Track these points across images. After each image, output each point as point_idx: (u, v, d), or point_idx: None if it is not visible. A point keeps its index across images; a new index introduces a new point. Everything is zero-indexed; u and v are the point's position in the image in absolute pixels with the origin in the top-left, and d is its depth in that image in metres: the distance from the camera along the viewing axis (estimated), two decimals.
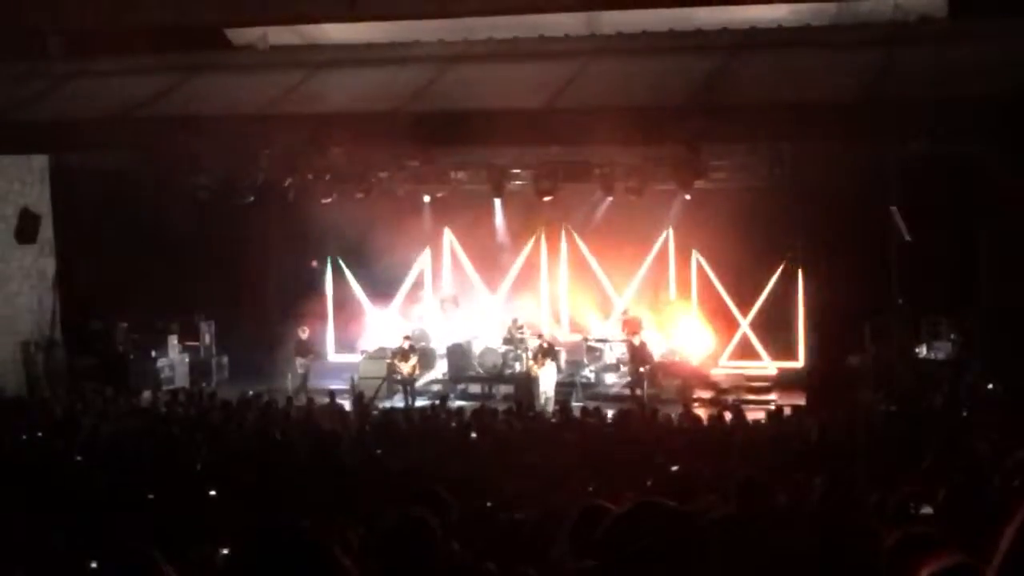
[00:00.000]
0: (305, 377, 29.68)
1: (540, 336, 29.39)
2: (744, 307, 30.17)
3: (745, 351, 30.41)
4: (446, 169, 30.11)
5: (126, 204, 29.09)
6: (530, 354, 29.01)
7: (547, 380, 28.13)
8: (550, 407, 26.32)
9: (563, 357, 29.80)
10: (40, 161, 28.76)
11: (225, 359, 31.88)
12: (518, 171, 29.30)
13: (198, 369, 30.97)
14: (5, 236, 27.77)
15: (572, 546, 6.10)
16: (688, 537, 4.18)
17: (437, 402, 24.87)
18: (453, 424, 21.42)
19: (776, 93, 21.36)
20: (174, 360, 30.43)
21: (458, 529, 7.77)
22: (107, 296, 29.38)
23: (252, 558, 3.84)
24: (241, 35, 26.88)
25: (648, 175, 27.97)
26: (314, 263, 32.85)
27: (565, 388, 28.67)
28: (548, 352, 28.52)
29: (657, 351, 29.05)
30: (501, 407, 24.38)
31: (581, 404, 25.87)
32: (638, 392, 27.86)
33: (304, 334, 30.22)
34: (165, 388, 28.71)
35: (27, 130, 24.92)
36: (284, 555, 3.74)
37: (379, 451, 17.48)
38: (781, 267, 29.32)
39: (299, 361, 29.99)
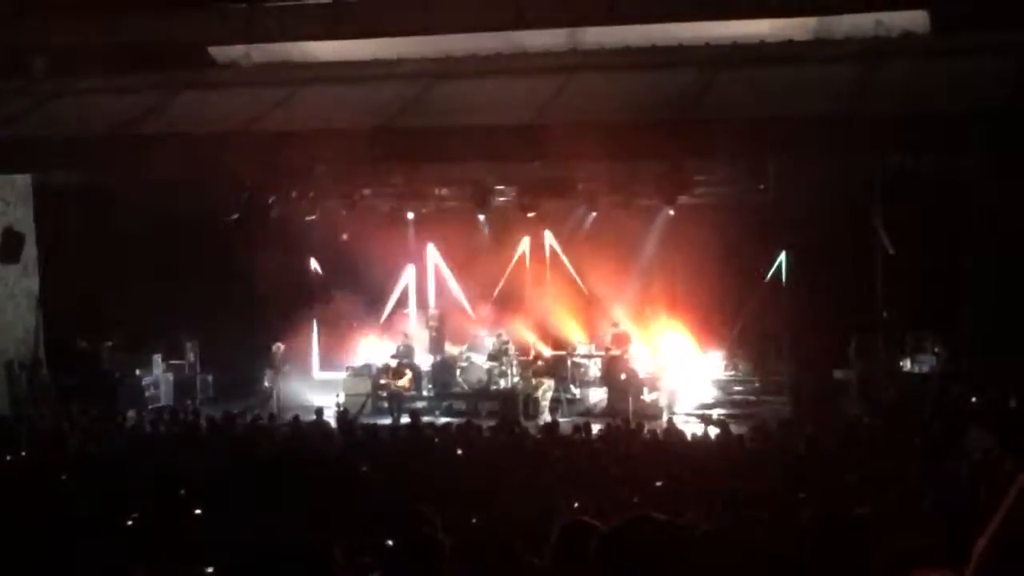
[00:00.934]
0: (272, 392, 29.65)
1: (539, 355, 29.55)
2: (729, 321, 30.17)
3: (730, 365, 30.42)
4: (430, 185, 30.14)
5: (110, 223, 29.03)
6: (529, 373, 29.16)
7: (546, 398, 28.32)
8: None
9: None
10: (23, 180, 28.69)
11: (210, 377, 31.81)
12: (502, 187, 29.32)
13: (183, 387, 30.91)
14: None
15: (556, 562, 6.10)
16: (682, 551, 4.19)
17: (423, 418, 24.80)
18: (438, 440, 21.38)
19: (759, 108, 21.38)
20: (159, 378, 30.38)
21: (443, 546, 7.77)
22: (91, 315, 29.31)
23: (253, 568, 3.85)
24: (225, 53, 26.85)
25: (632, 190, 28.08)
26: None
27: (551, 404, 28.71)
28: (546, 370, 28.68)
29: (642, 365, 29.11)
30: (486, 423, 24.35)
31: (567, 420, 25.88)
32: (624, 407, 27.89)
33: (279, 350, 30.18)
34: (150, 407, 28.68)
35: (10, 149, 24.86)
36: (283, 567, 3.74)
37: (364, 468, 17.44)
38: (766, 281, 29.32)
39: (268, 374, 29.99)
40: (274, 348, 30.14)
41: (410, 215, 31.69)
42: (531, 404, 28.52)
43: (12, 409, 27.43)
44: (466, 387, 30.13)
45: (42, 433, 22.11)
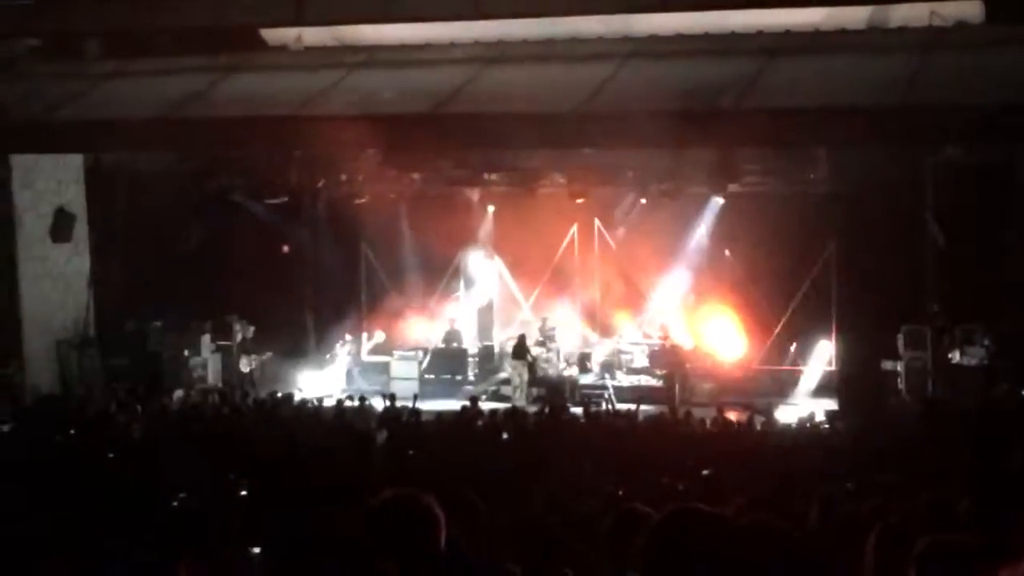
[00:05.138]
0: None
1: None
2: (777, 310, 30.02)
3: (778, 354, 30.27)
4: (480, 171, 30.11)
5: (161, 203, 29.16)
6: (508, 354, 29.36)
7: (517, 378, 28.42)
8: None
9: (595, 359, 29.95)
10: (75, 161, 28.83)
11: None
12: (552, 173, 29.31)
13: (231, 369, 30.99)
14: (40, 235, 27.85)
15: (610, 551, 6.09)
16: (726, 544, 4.18)
17: (468, 403, 24.81)
18: (483, 424, 21.41)
19: (811, 97, 21.31)
20: (207, 359, 30.46)
21: (489, 532, 7.77)
22: (141, 295, 29.43)
23: (296, 559, 3.88)
24: (276, 36, 26.92)
25: (682, 178, 27.99)
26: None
27: (597, 390, 28.68)
28: (519, 352, 28.78)
29: (688, 353, 29.12)
30: (532, 409, 24.37)
31: (614, 407, 25.88)
32: (671, 395, 27.84)
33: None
34: (198, 387, 28.77)
35: (64, 130, 25.05)
36: (327, 558, 3.78)
37: (411, 452, 17.47)
38: (815, 271, 29.17)
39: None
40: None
41: (460, 199, 31.69)
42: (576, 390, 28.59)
43: (62, 388, 27.63)
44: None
45: (90, 413, 22.26)
